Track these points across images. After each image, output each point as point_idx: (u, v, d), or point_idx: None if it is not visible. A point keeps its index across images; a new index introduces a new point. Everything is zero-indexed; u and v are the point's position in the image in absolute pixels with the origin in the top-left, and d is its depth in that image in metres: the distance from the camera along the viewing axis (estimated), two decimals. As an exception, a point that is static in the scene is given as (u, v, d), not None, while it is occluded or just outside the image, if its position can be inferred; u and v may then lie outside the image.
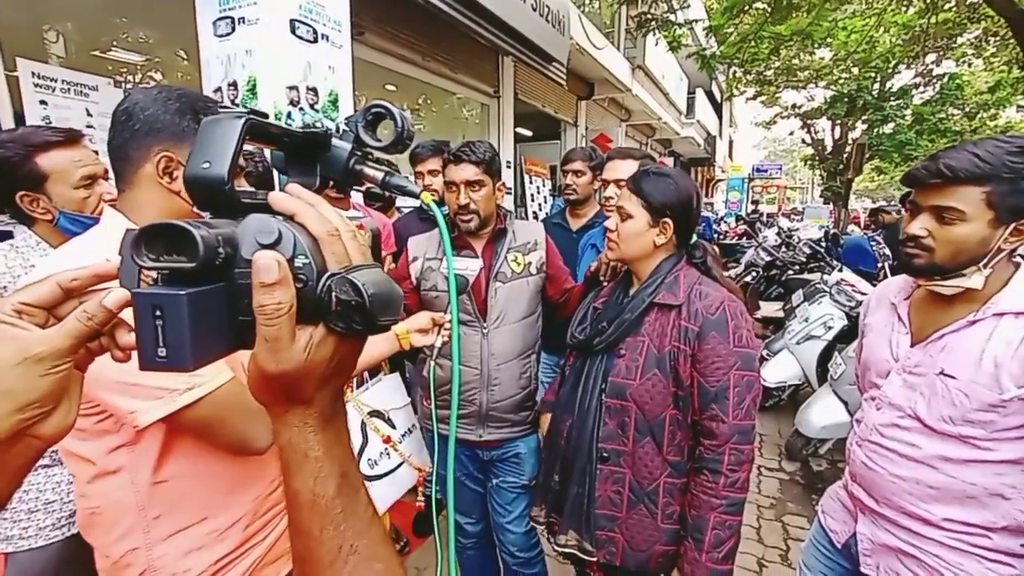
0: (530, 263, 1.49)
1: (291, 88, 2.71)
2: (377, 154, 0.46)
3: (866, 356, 1.16)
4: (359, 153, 0.43)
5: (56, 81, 3.06)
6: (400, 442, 1.54)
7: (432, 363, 1.24)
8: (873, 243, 4.49)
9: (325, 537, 0.34)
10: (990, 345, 0.92)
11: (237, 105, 2.75)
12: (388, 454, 1.51)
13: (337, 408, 0.36)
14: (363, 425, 1.46)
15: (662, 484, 1.15)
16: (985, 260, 0.92)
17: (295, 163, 0.42)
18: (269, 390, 0.32)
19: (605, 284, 1.36)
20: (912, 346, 1.04)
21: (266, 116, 0.34)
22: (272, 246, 0.30)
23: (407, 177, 0.47)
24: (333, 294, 0.30)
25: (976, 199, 0.90)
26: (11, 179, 1.10)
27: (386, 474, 1.49)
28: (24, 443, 0.33)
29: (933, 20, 6.60)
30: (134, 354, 0.31)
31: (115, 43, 4.83)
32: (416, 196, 0.48)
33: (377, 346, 1.21)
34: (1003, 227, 0.90)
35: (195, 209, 0.33)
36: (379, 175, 0.45)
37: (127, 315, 0.31)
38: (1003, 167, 0.87)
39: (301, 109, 2.78)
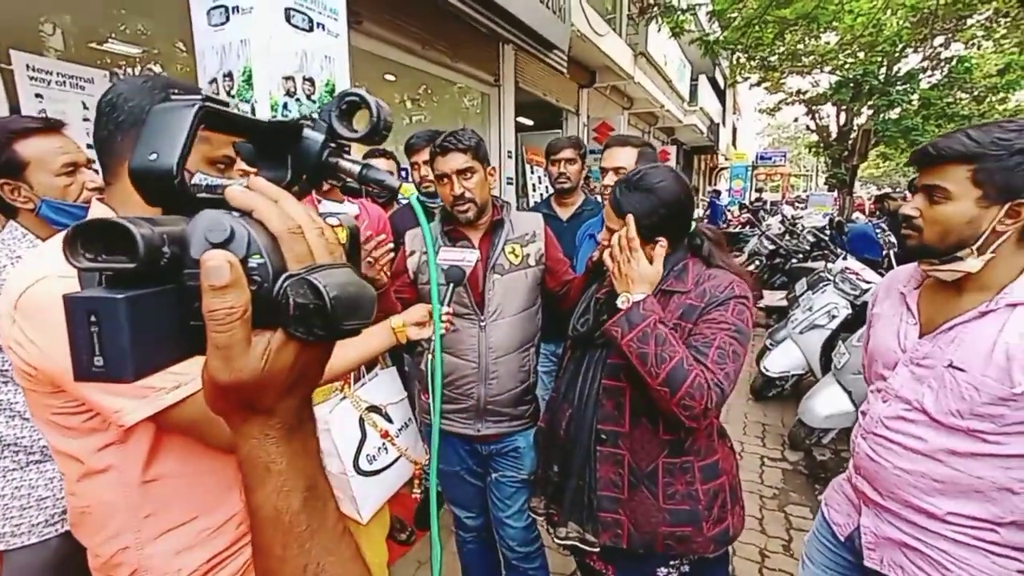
0: (528, 255, 1.47)
1: (287, 79, 2.67)
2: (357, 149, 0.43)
3: (873, 346, 1.14)
4: (333, 145, 0.41)
5: (51, 74, 3.03)
6: (397, 436, 1.53)
7: (429, 356, 1.22)
8: (878, 231, 4.43)
9: (288, 555, 0.32)
10: (1002, 337, 0.89)
11: (233, 97, 2.72)
12: (386, 449, 1.50)
13: (304, 417, 0.34)
14: (361, 421, 1.45)
15: (661, 465, 1.13)
16: (979, 243, 0.90)
17: (265, 155, 0.40)
18: (224, 400, 0.30)
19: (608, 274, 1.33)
20: (921, 337, 1.02)
21: (226, 104, 0.32)
22: (223, 245, 0.27)
23: (387, 171, 0.45)
24: (290, 297, 0.27)
25: (962, 178, 0.89)
26: None
27: (384, 468, 1.48)
28: None
29: (942, 1, 6.47)
30: None
31: (112, 35, 4.79)
32: (395, 190, 0.45)
33: (373, 340, 1.19)
34: (996, 207, 0.88)
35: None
36: (356, 168, 0.42)
37: None
38: (991, 144, 0.86)
39: (298, 100, 2.75)
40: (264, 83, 2.60)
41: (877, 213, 8.29)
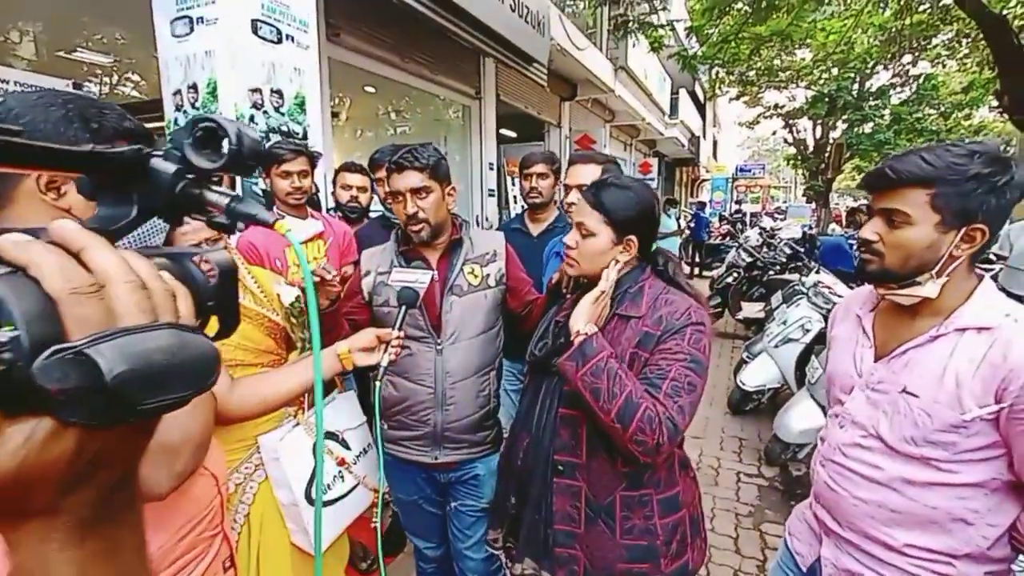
0: (488, 275, 1.43)
1: (253, 91, 2.61)
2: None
3: (831, 370, 1.12)
4: (190, 177, 0.37)
5: (8, 83, 2.94)
6: (355, 463, 1.47)
7: (378, 384, 1.17)
8: (852, 242, 4.51)
9: None
10: (952, 362, 0.87)
11: (198, 109, 2.65)
12: (343, 477, 1.44)
13: (115, 505, 0.27)
14: (314, 448, 1.39)
15: (619, 498, 1.09)
16: (937, 267, 0.89)
17: (105, 189, 0.35)
18: None
19: (568, 297, 1.30)
20: (876, 361, 1.00)
21: (19, 133, 0.26)
22: None
23: (258, 202, 0.41)
24: (46, 379, 0.22)
25: (921, 202, 0.87)
26: None
27: (339, 498, 1.42)
28: None
29: (908, 21, 6.68)
30: None
31: (80, 45, 4.68)
32: (270, 226, 0.41)
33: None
34: (952, 232, 0.87)
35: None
36: (223, 200, 0.38)
37: None
38: (947, 169, 0.85)
39: (265, 112, 2.69)
40: (230, 95, 2.54)
41: (850, 226, 8.46)
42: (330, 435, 1.45)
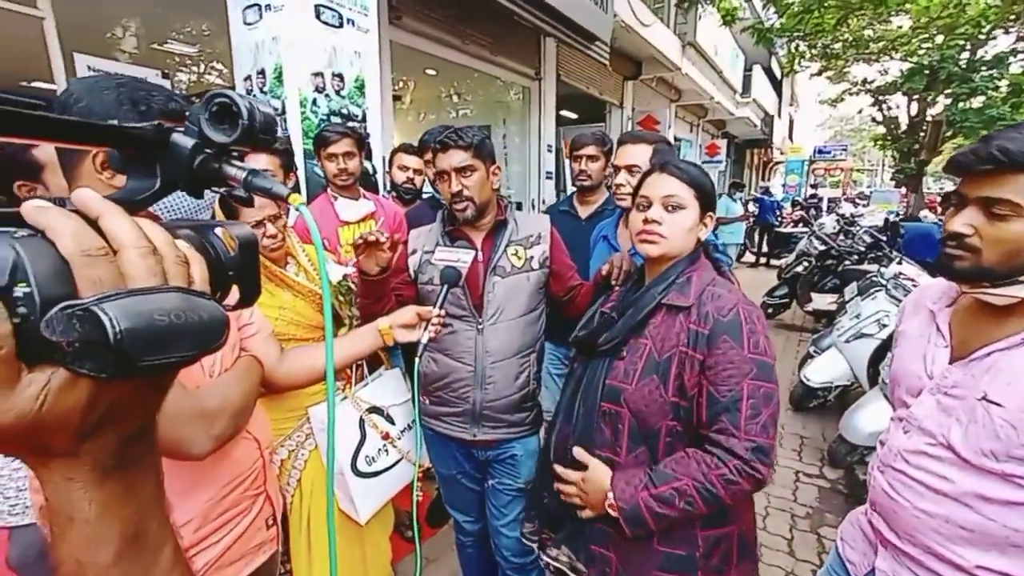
0: (532, 257, 1.42)
1: (316, 75, 2.71)
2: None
3: (896, 369, 1.02)
4: (209, 151, 0.38)
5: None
6: (399, 438, 1.52)
7: (418, 360, 1.20)
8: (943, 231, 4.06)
9: None
10: None
11: (265, 94, 2.79)
12: (387, 451, 1.49)
13: (131, 456, 0.30)
14: (361, 422, 1.45)
15: None
16: None
17: (131, 162, 0.37)
18: (3, 442, 0.26)
19: (616, 288, 1.26)
20: (951, 363, 0.90)
21: (42, 106, 0.28)
22: None
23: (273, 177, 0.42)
24: (56, 330, 0.24)
25: None
26: (9, 168, 1.13)
27: (384, 471, 1.48)
28: None
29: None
30: None
31: (170, 37, 5.05)
32: (284, 199, 0.42)
33: (358, 342, 1.18)
34: None
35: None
36: (241, 174, 0.39)
37: None
38: None
39: (327, 96, 2.79)
40: (294, 79, 2.65)
41: (940, 211, 7.63)
42: (375, 410, 1.51)
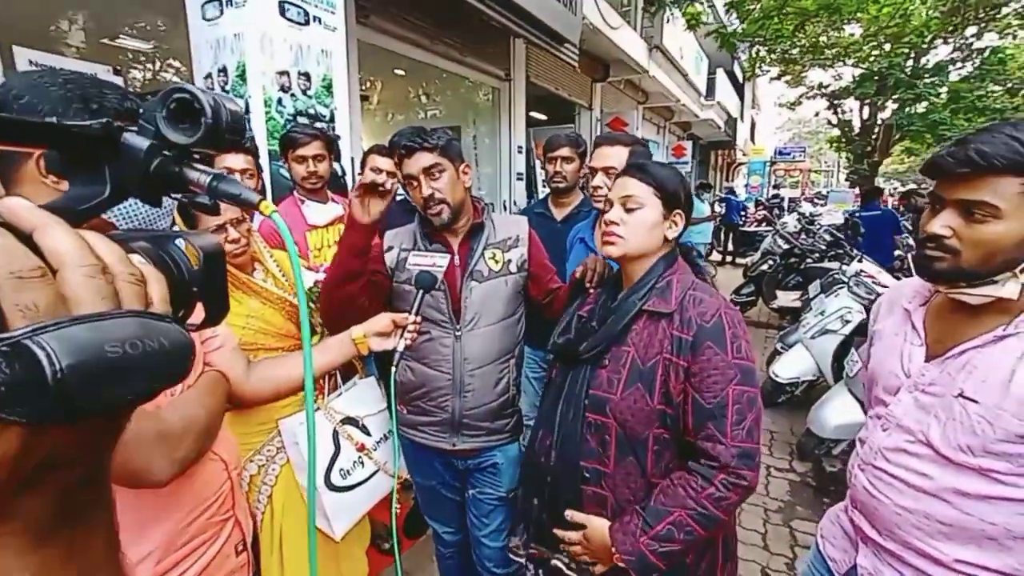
0: (510, 260, 1.39)
1: (281, 73, 2.61)
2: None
3: (873, 368, 1.04)
4: (167, 153, 0.34)
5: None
6: (375, 449, 1.47)
7: (394, 369, 1.15)
8: (905, 229, 4.22)
9: None
10: (1022, 365, 0.78)
11: (228, 93, 2.67)
12: (362, 463, 1.44)
13: (75, 509, 0.25)
14: (335, 434, 1.39)
15: None
16: (1022, 265, 0.79)
17: (76, 166, 0.32)
18: None
19: (591, 291, 1.24)
20: (927, 361, 0.92)
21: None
22: None
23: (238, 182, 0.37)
24: None
25: (1013, 192, 0.76)
26: None
27: (359, 483, 1.42)
28: None
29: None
30: None
31: (122, 32, 4.80)
32: (255, 206, 0.38)
33: (330, 353, 1.13)
34: None
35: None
36: (205, 179, 0.35)
37: None
38: None
39: (293, 95, 2.70)
40: (258, 78, 2.55)
41: (902, 209, 8.00)
42: (350, 420, 1.45)
